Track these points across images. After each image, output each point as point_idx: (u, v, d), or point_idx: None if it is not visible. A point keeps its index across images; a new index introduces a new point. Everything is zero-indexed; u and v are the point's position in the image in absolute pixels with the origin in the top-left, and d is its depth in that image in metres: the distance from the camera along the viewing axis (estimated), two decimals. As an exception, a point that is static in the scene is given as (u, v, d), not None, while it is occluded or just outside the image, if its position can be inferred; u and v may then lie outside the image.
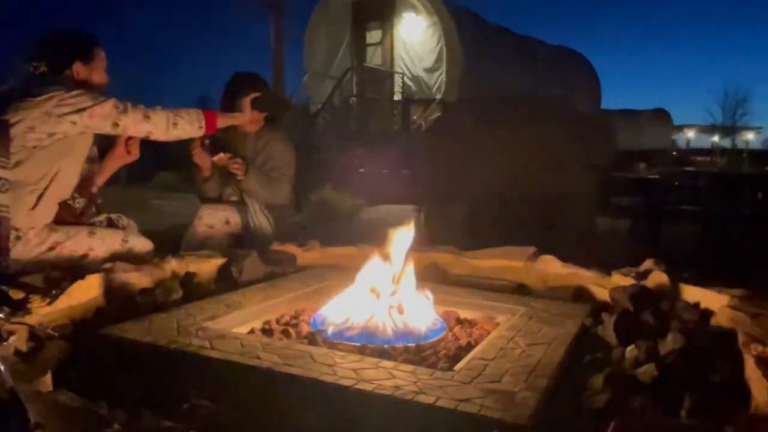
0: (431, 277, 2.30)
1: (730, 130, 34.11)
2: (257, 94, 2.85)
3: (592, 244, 4.35)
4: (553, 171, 4.22)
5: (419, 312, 1.76)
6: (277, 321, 1.86)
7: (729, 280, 1.89)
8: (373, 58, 12.79)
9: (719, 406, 1.12)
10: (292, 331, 1.73)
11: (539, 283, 2.24)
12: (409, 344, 1.60)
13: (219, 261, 2.33)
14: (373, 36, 12.80)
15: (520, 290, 2.21)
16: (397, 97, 12.12)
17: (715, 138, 33.49)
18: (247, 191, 3.04)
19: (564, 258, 2.28)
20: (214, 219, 2.98)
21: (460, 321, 1.88)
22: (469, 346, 1.60)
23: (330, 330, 1.68)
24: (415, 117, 11.45)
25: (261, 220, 3.04)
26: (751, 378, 1.18)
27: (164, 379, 1.35)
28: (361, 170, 10.59)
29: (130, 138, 2.53)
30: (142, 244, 2.47)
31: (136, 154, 2.62)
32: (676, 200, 6.23)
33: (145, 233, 2.65)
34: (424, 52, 11.81)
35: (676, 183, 7.32)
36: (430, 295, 1.82)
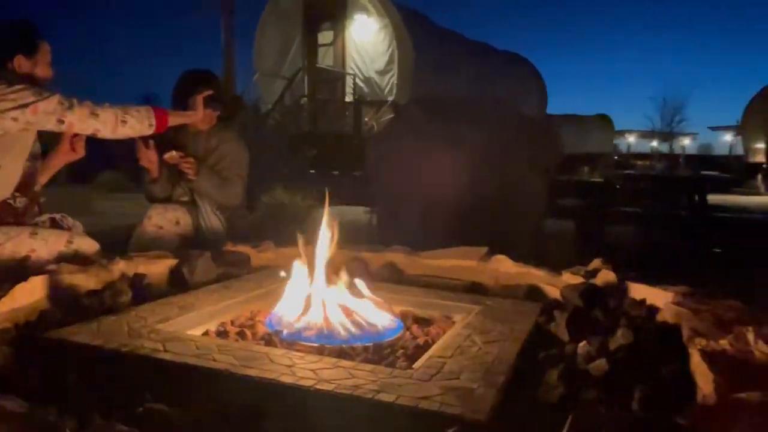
0: (387, 277, 2.32)
1: (668, 135, 35.65)
2: (210, 92, 2.80)
3: (542, 244, 4.46)
4: (503, 173, 4.30)
5: (376, 312, 1.76)
6: (233, 322, 1.83)
7: (670, 278, 1.97)
8: (325, 58, 12.75)
9: (668, 399, 1.16)
10: (248, 332, 1.70)
11: (492, 282, 2.28)
12: (368, 344, 1.61)
13: (170, 262, 2.27)
14: (325, 37, 12.76)
15: (475, 289, 2.24)
16: (348, 98, 12.12)
17: (654, 143, 34.98)
18: (199, 191, 2.98)
19: (515, 258, 2.33)
20: (164, 219, 2.89)
21: (417, 320, 1.89)
22: (427, 345, 1.61)
23: (287, 331, 1.67)
24: (366, 118, 11.47)
25: (213, 220, 2.98)
26: (696, 371, 1.23)
27: (116, 383, 1.31)
28: (312, 171, 10.53)
29: (75, 135, 2.44)
30: (88, 245, 2.38)
31: (81, 152, 2.53)
32: (619, 202, 6.46)
33: (91, 234, 2.55)
34: (375, 54, 11.85)
35: (618, 186, 7.61)
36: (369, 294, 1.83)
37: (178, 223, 2.92)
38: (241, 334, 1.69)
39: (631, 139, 35.19)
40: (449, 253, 2.44)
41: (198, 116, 2.77)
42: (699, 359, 1.24)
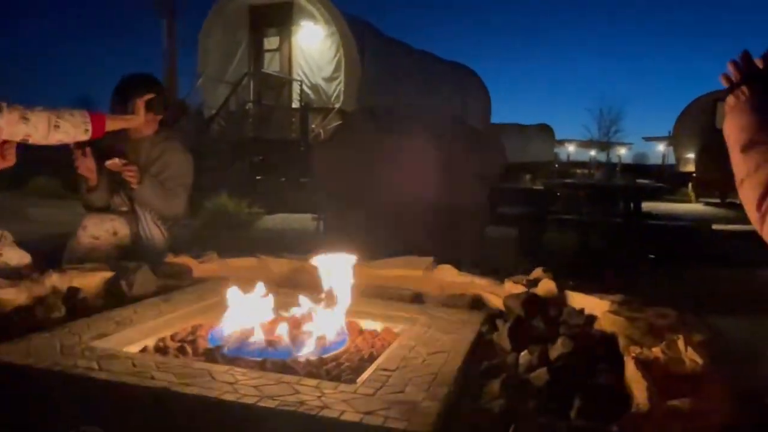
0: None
1: (605, 145, 37.05)
2: (152, 96, 2.72)
3: (485, 252, 4.53)
4: (448, 181, 4.36)
5: (321, 324, 1.75)
6: (173, 338, 1.77)
7: (608, 285, 2.04)
8: (271, 64, 12.62)
9: (605, 406, 1.20)
10: (188, 348, 1.65)
11: (437, 292, 2.29)
12: (311, 357, 1.59)
13: (106, 274, 2.19)
14: (271, 42, 12.64)
15: (420, 299, 2.25)
16: (295, 104, 12.03)
17: (593, 152, 36.30)
18: (141, 201, 2.87)
19: (459, 266, 2.36)
20: (101, 229, 2.79)
21: (361, 331, 1.89)
22: (372, 357, 1.61)
23: (229, 345, 1.63)
24: (313, 125, 11.42)
25: (153, 231, 2.89)
26: (631, 378, 1.28)
27: (48, 405, 1.25)
28: (258, 177, 10.40)
29: (5, 141, 2.32)
30: (18, 257, 2.28)
31: (12, 159, 2.40)
32: (559, 210, 6.65)
33: (22, 244, 2.43)
34: (322, 62, 11.82)
35: (558, 194, 7.84)
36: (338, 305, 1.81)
37: (115, 233, 2.82)
38: (182, 350, 1.64)
39: (571, 148, 36.45)
40: (395, 263, 2.44)
41: (139, 120, 2.69)
42: (634, 367, 1.28)
